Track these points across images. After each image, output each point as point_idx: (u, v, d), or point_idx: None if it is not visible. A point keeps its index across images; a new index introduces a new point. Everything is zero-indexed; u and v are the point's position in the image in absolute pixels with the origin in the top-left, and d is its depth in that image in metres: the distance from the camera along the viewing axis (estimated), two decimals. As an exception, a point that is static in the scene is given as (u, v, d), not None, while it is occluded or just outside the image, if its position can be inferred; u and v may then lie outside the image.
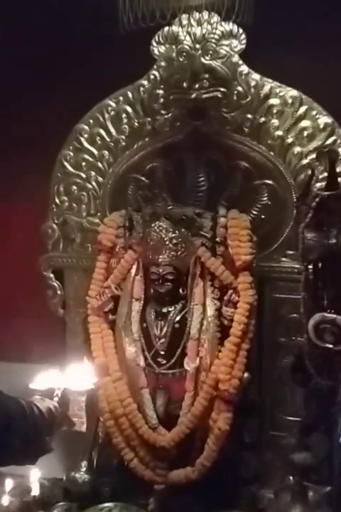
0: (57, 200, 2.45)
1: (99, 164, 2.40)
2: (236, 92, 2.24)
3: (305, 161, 2.21)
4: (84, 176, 2.42)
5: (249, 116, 2.24)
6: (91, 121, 2.39)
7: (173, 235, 2.12)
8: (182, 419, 2.09)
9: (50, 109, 2.42)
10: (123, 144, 2.37)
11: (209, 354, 2.10)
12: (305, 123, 2.20)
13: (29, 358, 2.57)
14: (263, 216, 2.29)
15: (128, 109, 2.35)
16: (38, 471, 2.25)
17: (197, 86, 2.26)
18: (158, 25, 1.99)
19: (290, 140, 2.22)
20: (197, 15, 2.10)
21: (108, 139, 2.38)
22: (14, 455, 1.63)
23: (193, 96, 2.26)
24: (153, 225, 2.14)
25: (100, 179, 2.41)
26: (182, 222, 2.15)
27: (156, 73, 2.31)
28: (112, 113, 2.37)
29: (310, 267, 1.99)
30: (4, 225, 2.60)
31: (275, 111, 2.22)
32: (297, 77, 2.19)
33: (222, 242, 2.14)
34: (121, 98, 2.35)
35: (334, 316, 1.92)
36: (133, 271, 2.21)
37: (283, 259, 2.28)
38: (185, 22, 2.16)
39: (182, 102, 2.28)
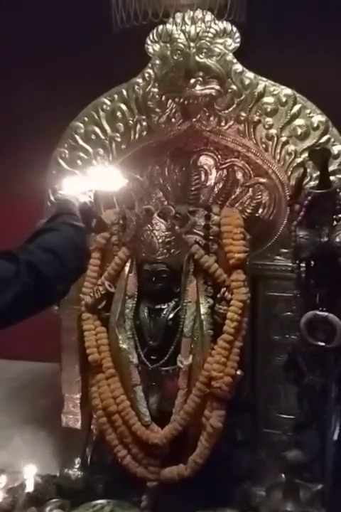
0: (52, 198, 2.46)
1: (94, 162, 2.41)
2: (230, 90, 2.24)
3: (298, 160, 2.21)
4: (79, 173, 2.42)
5: (243, 114, 2.24)
6: (86, 118, 2.40)
7: (167, 233, 2.13)
8: (175, 416, 2.10)
9: (45, 107, 2.43)
10: (118, 141, 2.38)
11: (202, 351, 2.10)
12: (298, 121, 2.20)
13: (24, 355, 2.58)
14: (256, 214, 2.30)
15: (123, 107, 2.36)
16: (31, 468, 2.25)
17: (191, 84, 2.26)
18: (153, 23, 2.01)
19: (284, 138, 2.22)
20: (191, 13, 2.10)
21: (103, 137, 2.39)
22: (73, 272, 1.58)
23: (187, 94, 2.26)
24: (146, 222, 2.15)
25: (95, 177, 2.42)
26: (175, 220, 2.16)
27: (151, 71, 2.31)
28: (107, 111, 2.38)
29: (303, 265, 2.00)
30: (-1, 222, 2.61)
31: (269, 109, 2.22)
32: (291, 76, 2.19)
33: (216, 240, 2.14)
34: (115, 96, 2.36)
35: (326, 313, 1.92)
36: (126, 268, 2.21)
37: (277, 257, 2.28)
38: (179, 20, 2.17)
39: (177, 100, 2.29)
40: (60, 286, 1.48)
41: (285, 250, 2.24)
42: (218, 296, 2.12)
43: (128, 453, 2.16)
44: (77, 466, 2.27)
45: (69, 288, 1.60)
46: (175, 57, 2.26)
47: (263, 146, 2.24)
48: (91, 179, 1.82)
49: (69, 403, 2.37)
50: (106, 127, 2.38)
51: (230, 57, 2.24)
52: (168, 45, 2.27)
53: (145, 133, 2.35)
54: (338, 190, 1.95)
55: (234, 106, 2.24)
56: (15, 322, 1.42)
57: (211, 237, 2.14)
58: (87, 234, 1.67)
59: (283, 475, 2.13)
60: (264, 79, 2.22)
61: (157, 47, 2.29)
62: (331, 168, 2.07)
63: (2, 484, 2.23)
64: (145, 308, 2.17)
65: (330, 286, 1.95)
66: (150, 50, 2.30)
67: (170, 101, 2.30)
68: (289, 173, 2.22)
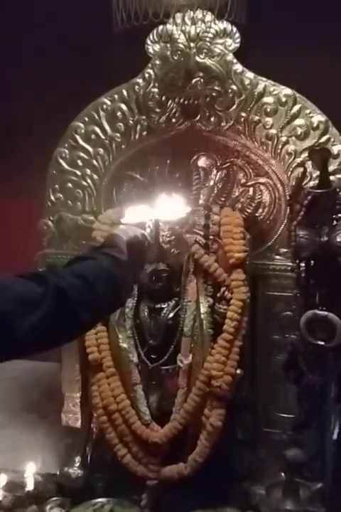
0: (52, 198, 2.46)
1: (94, 162, 2.41)
2: (230, 90, 2.25)
3: (298, 159, 2.21)
4: (79, 173, 2.43)
5: (243, 114, 2.25)
6: (86, 119, 2.40)
7: (167, 233, 2.13)
8: (175, 415, 2.11)
9: (46, 107, 2.43)
10: (118, 141, 2.38)
11: (202, 351, 2.11)
12: (298, 121, 2.20)
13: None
14: (256, 214, 2.30)
15: (123, 107, 2.36)
16: (31, 466, 2.26)
17: (191, 84, 2.27)
18: (153, 23, 2.02)
19: (284, 138, 2.22)
20: (191, 13, 2.11)
21: (103, 137, 2.39)
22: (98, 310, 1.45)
23: (188, 94, 2.27)
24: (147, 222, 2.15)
25: (95, 176, 2.42)
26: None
27: (151, 71, 2.32)
28: (107, 111, 2.38)
29: (302, 264, 2.00)
30: (0, 222, 2.61)
31: (269, 109, 2.23)
32: (291, 76, 2.20)
33: (215, 239, 2.15)
34: (116, 96, 2.37)
35: (326, 313, 1.92)
36: (127, 268, 2.21)
37: (277, 256, 2.29)
38: (179, 21, 2.17)
39: (177, 100, 2.30)
40: (86, 314, 1.36)
41: (285, 250, 2.24)
42: (218, 295, 2.13)
43: (128, 452, 2.16)
44: (77, 464, 2.28)
45: (96, 320, 1.52)
46: (176, 58, 2.27)
47: (263, 146, 2.25)
48: (150, 209, 1.75)
49: (69, 402, 2.38)
50: (107, 127, 2.39)
51: (230, 57, 2.25)
52: (168, 45, 2.28)
53: (145, 133, 2.35)
54: (338, 189, 1.95)
55: (234, 106, 2.25)
56: (34, 351, 1.32)
57: (211, 237, 2.15)
58: (130, 267, 1.53)
59: (282, 474, 2.14)
60: (264, 79, 2.23)
61: (157, 47, 2.30)
62: (331, 168, 2.07)
63: (2, 483, 2.24)
64: (146, 307, 2.17)
65: (330, 286, 1.95)
66: (151, 50, 2.30)
67: (170, 101, 2.30)
68: (289, 172, 2.23)
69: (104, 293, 1.40)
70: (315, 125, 2.18)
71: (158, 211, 1.74)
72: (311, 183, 2.08)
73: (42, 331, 1.28)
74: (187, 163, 2.34)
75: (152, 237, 1.77)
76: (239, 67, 2.24)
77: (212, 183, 2.34)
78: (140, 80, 2.34)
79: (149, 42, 2.30)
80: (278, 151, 2.23)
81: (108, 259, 1.46)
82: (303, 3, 2.17)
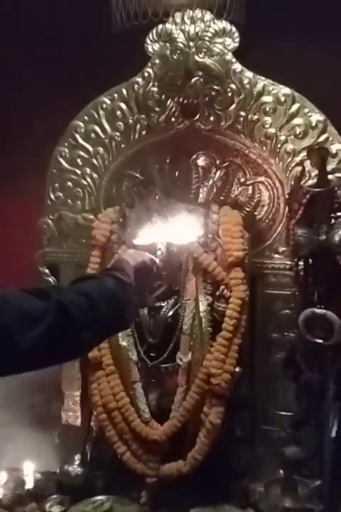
0: (52, 196, 2.48)
1: (94, 161, 2.43)
2: (229, 89, 2.26)
3: (297, 158, 2.22)
4: (79, 172, 2.45)
5: (242, 113, 2.26)
6: (86, 118, 2.41)
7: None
8: (174, 413, 2.12)
9: (46, 106, 2.43)
10: (118, 140, 2.39)
11: (201, 349, 2.12)
12: (297, 120, 2.21)
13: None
14: (255, 213, 2.31)
15: (123, 106, 2.37)
16: (31, 464, 2.27)
17: (191, 83, 2.27)
18: (153, 23, 2.02)
19: (282, 137, 2.23)
20: (190, 13, 2.12)
21: (103, 136, 2.40)
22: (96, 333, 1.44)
23: (187, 93, 2.28)
24: (146, 221, 2.16)
25: (95, 175, 2.43)
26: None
27: (150, 71, 2.33)
28: (107, 110, 2.39)
29: (301, 263, 2.01)
30: (0, 221, 2.61)
31: (268, 108, 2.24)
32: (289, 75, 2.20)
33: (215, 238, 2.15)
34: (115, 95, 2.38)
35: (324, 311, 1.94)
36: (126, 266, 2.22)
37: (276, 255, 2.30)
38: (178, 20, 2.18)
39: (176, 99, 2.30)
40: (86, 333, 1.36)
41: (284, 248, 2.25)
42: (217, 293, 2.14)
43: (128, 449, 2.17)
44: (77, 462, 2.29)
45: (97, 339, 1.51)
46: (175, 57, 2.28)
47: (262, 145, 2.26)
48: (163, 231, 1.79)
49: (69, 400, 2.39)
50: (106, 126, 2.40)
51: (229, 56, 2.26)
52: (168, 44, 2.29)
53: (144, 132, 2.36)
54: (336, 188, 1.97)
55: (233, 105, 2.26)
56: (35, 366, 1.33)
57: (210, 236, 2.16)
58: (136, 291, 1.53)
59: (281, 471, 2.15)
60: (263, 78, 2.24)
61: (157, 46, 2.31)
62: (329, 167, 2.08)
63: (2, 481, 2.25)
64: (145, 305, 2.18)
65: (328, 284, 1.97)
66: (150, 49, 2.31)
67: (169, 100, 2.31)
68: (288, 171, 2.24)
69: (106, 312, 1.41)
70: (313, 124, 2.19)
71: (170, 234, 1.75)
72: (310, 182, 2.10)
73: (43, 346, 1.28)
74: (186, 162, 2.35)
75: (163, 260, 1.76)
76: (238, 66, 2.25)
77: (211, 182, 2.35)
78: (139, 79, 2.35)
79: (148, 41, 2.31)
80: (277, 150, 2.24)
81: (112, 281, 1.47)
82: (302, 3, 2.17)
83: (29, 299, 1.31)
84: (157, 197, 2.25)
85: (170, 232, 1.78)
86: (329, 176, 2.05)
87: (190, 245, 1.88)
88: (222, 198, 2.32)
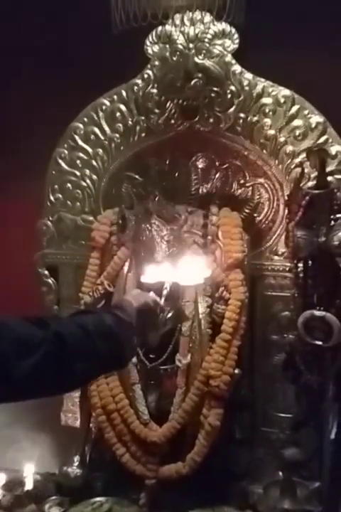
0: (51, 198, 2.48)
1: (94, 162, 2.43)
2: (229, 91, 2.26)
3: (297, 160, 2.22)
4: (78, 173, 2.45)
5: (242, 115, 2.26)
6: (85, 119, 2.41)
7: (166, 233, 2.15)
8: (174, 414, 2.12)
9: (45, 108, 2.44)
10: (118, 142, 2.39)
11: (200, 350, 2.12)
12: (297, 122, 2.21)
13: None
14: (255, 214, 2.31)
15: (123, 107, 2.37)
16: (30, 466, 2.27)
17: (190, 85, 2.27)
18: (152, 24, 2.02)
19: (282, 139, 2.23)
20: (190, 14, 2.12)
21: (102, 138, 2.40)
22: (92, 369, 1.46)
23: (186, 95, 2.28)
24: (145, 222, 2.17)
25: (94, 177, 2.43)
26: (174, 220, 2.17)
27: (150, 72, 2.33)
28: (107, 112, 2.39)
29: (300, 264, 2.01)
30: (-1, 222, 2.62)
31: (267, 110, 2.23)
32: (289, 77, 2.20)
33: (214, 239, 2.16)
34: (115, 97, 2.37)
35: (324, 313, 1.93)
36: (125, 268, 2.23)
37: (275, 257, 2.30)
38: (178, 22, 2.18)
39: (176, 101, 2.30)
40: (80, 365, 1.37)
41: (283, 250, 2.25)
42: (216, 295, 2.13)
43: (127, 451, 2.17)
44: (76, 464, 2.28)
45: (93, 373, 1.53)
46: (174, 58, 2.28)
47: (262, 146, 2.26)
48: (171, 270, 1.77)
49: (68, 402, 2.39)
50: (106, 128, 2.40)
51: (229, 58, 2.25)
52: (167, 46, 2.28)
53: (144, 134, 2.36)
54: (335, 190, 1.96)
55: (233, 107, 2.26)
56: (30, 396, 1.34)
57: (209, 237, 2.16)
58: (136, 331, 1.55)
59: (280, 473, 2.15)
60: (263, 80, 2.23)
61: (156, 48, 2.30)
62: (329, 169, 2.08)
63: (2, 482, 2.25)
64: (144, 307, 2.18)
65: (328, 286, 1.96)
66: (150, 51, 2.31)
67: (169, 102, 2.31)
68: (287, 173, 2.24)
69: (102, 347, 1.42)
70: (313, 126, 2.19)
71: (177, 273, 1.75)
72: (309, 184, 2.09)
73: (38, 375, 1.29)
74: (186, 163, 2.35)
75: (169, 299, 1.75)
76: (237, 68, 2.25)
77: (210, 183, 2.35)
78: (139, 81, 2.34)
79: (148, 43, 2.30)
80: (277, 151, 2.24)
81: (111, 317, 1.49)
82: (302, 5, 2.17)
83: (27, 326, 1.32)
84: (156, 198, 2.25)
85: (178, 272, 1.77)
86: (329, 178, 2.04)
87: (196, 286, 1.90)
88: (221, 199, 2.31)
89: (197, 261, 1.87)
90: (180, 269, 1.78)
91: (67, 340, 1.34)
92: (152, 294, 1.69)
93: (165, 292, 1.72)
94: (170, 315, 2.02)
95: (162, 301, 1.70)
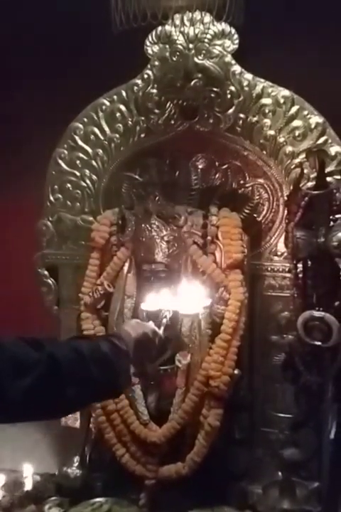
0: (51, 198, 2.47)
1: (93, 162, 2.42)
2: (228, 91, 2.25)
3: (296, 161, 2.21)
4: (78, 174, 2.44)
5: (242, 115, 2.26)
6: (85, 119, 2.41)
7: (165, 233, 2.15)
8: (173, 415, 2.12)
9: (45, 108, 2.44)
10: (117, 142, 2.39)
11: (200, 351, 2.12)
12: (296, 123, 2.21)
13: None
14: (254, 215, 2.31)
15: (122, 107, 2.36)
16: (30, 466, 2.27)
17: (190, 85, 2.27)
18: (152, 25, 2.02)
19: (282, 139, 2.23)
20: (189, 15, 2.12)
21: (102, 138, 2.40)
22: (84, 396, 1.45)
23: (186, 95, 2.28)
24: (145, 223, 2.17)
25: (94, 177, 2.43)
26: (174, 221, 2.18)
27: (150, 72, 2.32)
28: (106, 112, 2.38)
29: (300, 265, 2.01)
30: (-1, 223, 2.62)
31: (267, 110, 2.23)
32: (289, 77, 2.20)
33: (213, 240, 2.16)
34: (115, 97, 2.37)
35: (323, 313, 1.94)
36: (125, 268, 2.23)
37: (274, 257, 2.30)
38: (178, 22, 2.18)
39: (176, 101, 2.30)
40: (73, 389, 1.37)
41: (283, 251, 2.25)
42: (216, 296, 2.13)
43: (127, 451, 2.18)
44: (76, 464, 2.29)
45: (85, 399, 1.51)
46: (174, 59, 2.27)
47: (262, 147, 2.26)
48: (171, 299, 1.78)
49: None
50: (106, 128, 2.39)
51: (229, 58, 2.25)
52: (167, 46, 2.28)
53: (144, 134, 2.36)
54: (335, 191, 1.96)
55: (233, 107, 2.25)
56: (22, 417, 1.35)
57: (209, 238, 2.16)
58: (133, 360, 1.56)
59: (279, 473, 2.16)
60: (262, 80, 2.23)
61: (156, 48, 2.30)
62: (328, 169, 2.08)
63: (1, 483, 2.25)
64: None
65: (327, 286, 1.96)
66: (150, 51, 2.31)
67: (169, 102, 2.31)
68: (287, 174, 2.23)
69: (97, 374, 1.42)
70: (312, 126, 2.19)
71: (177, 302, 1.76)
72: (308, 185, 2.09)
73: (32, 397, 1.30)
74: (185, 164, 2.35)
75: (168, 328, 1.75)
76: (237, 68, 2.25)
77: (210, 184, 2.34)
78: (139, 81, 2.34)
79: (148, 43, 2.30)
80: (276, 152, 2.24)
81: (107, 344, 1.50)
82: (302, 5, 2.17)
83: (23, 347, 1.33)
84: (156, 199, 2.25)
85: (177, 300, 1.79)
86: (328, 179, 2.04)
87: (196, 316, 1.91)
88: (221, 200, 2.32)
89: (196, 290, 1.88)
90: (180, 298, 1.80)
91: (61, 362, 1.35)
92: (151, 324, 1.70)
93: (164, 321, 1.72)
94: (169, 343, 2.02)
95: (161, 331, 1.70)
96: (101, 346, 1.48)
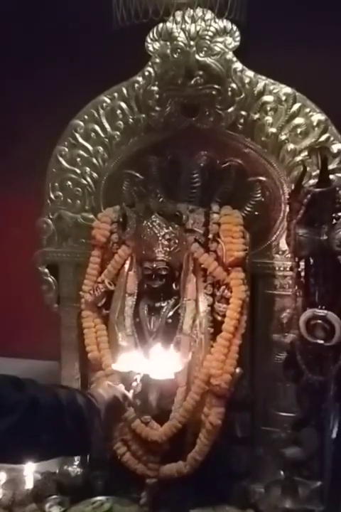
0: (52, 196, 2.46)
1: (94, 160, 2.41)
2: (230, 89, 2.24)
3: (298, 158, 2.21)
4: (79, 171, 2.43)
5: (243, 113, 2.25)
6: (86, 117, 2.39)
7: (167, 231, 2.14)
8: (175, 413, 2.11)
9: (46, 105, 2.43)
10: (118, 139, 2.38)
11: (201, 349, 2.11)
12: (298, 120, 2.20)
13: (24, 353, 2.59)
14: (256, 213, 2.30)
15: (123, 105, 2.36)
16: (31, 464, 2.26)
17: (191, 83, 2.26)
18: (153, 21, 2.01)
19: (283, 137, 2.22)
20: (191, 12, 2.11)
21: (103, 135, 2.39)
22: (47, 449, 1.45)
23: (187, 93, 2.27)
24: (146, 220, 2.16)
25: (95, 175, 2.42)
26: (175, 218, 2.17)
27: (151, 70, 2.31)
28: (107, 109, 2.37)
29: (302, 263, 2.00)
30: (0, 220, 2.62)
31: (269, 108, 2.22)
32: (290, 74, 2.20)
33: (215, 238, 2.15)
34: (115, 94, 2.36)
35: (325, 312, 1.93)
36: (126, 266, 2.22)
37: (276, 255, 2.29)
38: (179, 19, 2.17)
39: (177, 99, 2.30)
40: (47, 436, 1.38)
41: (285, 248, 2.24)
42: (217, 294, 2.13)
43: (128, 450, 2.17)
44: (77, 462, 2.29)
45: (52, 452, 1.51)
46: (175, 56, 2.27)
47: (263, 144, 2.25)
48: (143, 362, 1.80)
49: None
50: (106, 125, 2.38)
51: (230, 55, 2.24)
52: (168, 43, 2.27)
53: (145, 131, 2.35)
54: (337, 188, 1.96)
55: (234, 104, 2.25)
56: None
57: (210, 236, 2.15)
58: (102, 423, 1.57)
59: (281, 472, 2.15)
60: (264, 77, 2.22)
61: (157, 45, 2.29)
62: (330, 167, 2.08)
63: (2, 481, 2.24)
64: (145, 305, 2.18)
65: (329, 285, 1.96)
66: (151, 48, 2.30)
67: (170, 99, 2.30)
68: (289, 171, 2.23)
69: (70, 426, 1.44)
70: (314, 124, 2.18)
71: (149, 366, 1.77)
72: (310, 182, 2.08)
73: (9, 437, 1.30)
74: (186, 161, 2.34)
75: (137, 391, 1.76)
76: (238, 65, 2.24)
77: (211, 181, 2.33)
78: (140, 78, 2.33)
79: (149, 40, 2.29)
80: (278, 149, 2.23)
81: (83, 399, 1.53)
82: (303, 2, 2.17)
83: (5, 386, 1.34)
84: (157, 196, 2.25)
85: (149, 364, 1.79)
86: (331, 176, 2.04)
87: (165, 381, 1.88)
88: (222, 197, 2.31)
89: (168, 355, 1.87)
90: (152, 362, 1.80)
91: (42, 407, 1.37)
92: (121, 387, 1.72)
93: (135, 385, 1.73)
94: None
95: (130, 395, 1.71)
96: (77, 399, 1.51)
